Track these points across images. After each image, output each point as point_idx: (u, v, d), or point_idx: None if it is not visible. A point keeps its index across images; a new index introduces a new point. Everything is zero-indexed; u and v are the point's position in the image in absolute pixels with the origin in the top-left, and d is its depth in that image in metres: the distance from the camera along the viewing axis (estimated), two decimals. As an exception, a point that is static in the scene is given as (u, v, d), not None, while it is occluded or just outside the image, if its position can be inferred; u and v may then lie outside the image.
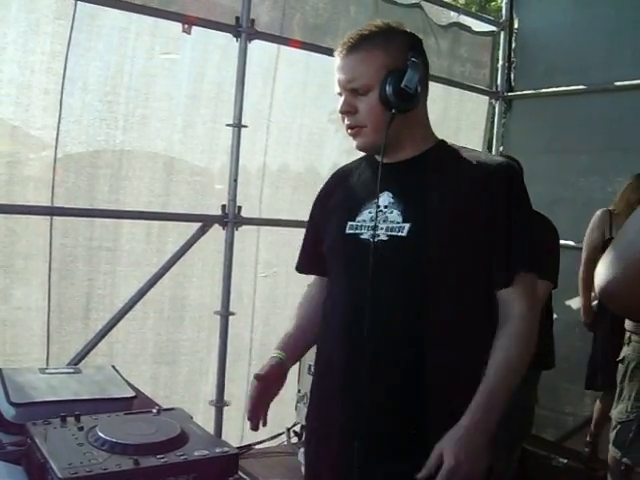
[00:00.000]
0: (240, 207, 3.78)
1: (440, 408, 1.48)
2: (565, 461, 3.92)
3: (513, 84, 5.26)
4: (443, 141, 1.68)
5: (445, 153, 1.62)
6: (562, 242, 3.67)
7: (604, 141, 4.53)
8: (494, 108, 5.29)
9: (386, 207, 1.57)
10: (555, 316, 3.68)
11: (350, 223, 1.61)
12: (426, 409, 1.50)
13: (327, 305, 1.71)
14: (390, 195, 1.58)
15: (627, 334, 3.46)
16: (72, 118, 3.35)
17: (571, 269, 3.94)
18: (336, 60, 1.59)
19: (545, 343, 3.37)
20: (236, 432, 4.18)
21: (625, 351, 3.45)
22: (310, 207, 1.86)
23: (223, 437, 3.99)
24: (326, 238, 1.70)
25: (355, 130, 1.59)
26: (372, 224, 1.56)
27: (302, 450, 3.95)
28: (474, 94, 5.16)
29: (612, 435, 3.44)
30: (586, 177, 4.68)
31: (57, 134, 3.30)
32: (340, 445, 1.57)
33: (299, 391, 4.14)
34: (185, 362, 3.94)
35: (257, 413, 1.69)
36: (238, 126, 3.70)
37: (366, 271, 1.51)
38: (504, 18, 5.28)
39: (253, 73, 3.77)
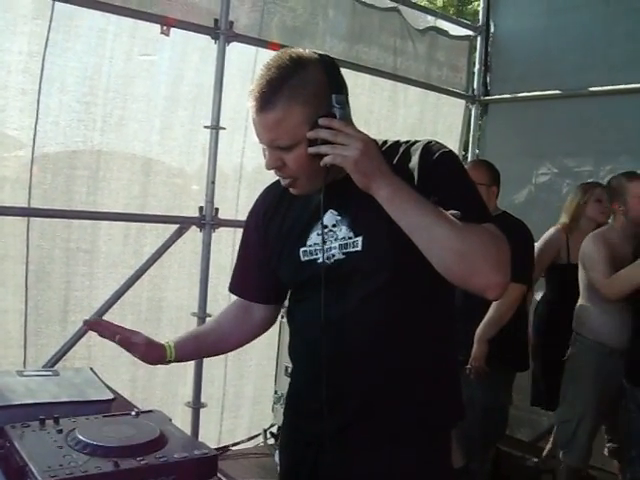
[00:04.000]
0: (217, 209, 3.79)
1: (409, 414, 1.52)
2: (536, 460, 3.95)
3: (489, 88, 5.32)
4: (383, 143, 1.57)
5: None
6: (536, 245, 3.71)
7: (578, 145, 4.60)
8: (470, 112, 5.34)
9: (334, 225, 1.53)
10: (531, 317, 3.74)
11: (302, 249, 1.56)
12: (395, 414, 1.52)
13: (294, 325, 1.69)
14: (335, 213, 1.53)
15: (573, 335, 3.49)
16: (49, 119, 3.34)
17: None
18: (250, 113, 1.45)
19: (519, 345, 3.42)
20: (213, 433, 4.20)
21: (570, 352, 3.48)
22: None
23: (200, 438, 3.98)
24: (280, 269, 1.65)
25: (288, 182, 1.51)
26: (325, 246, 1.52)
27: (278, 451, 3.97)
28: (451, 98, 5.21)
29: (554, 435, 3.53)
30: (561, 180, 4.75)
31: (34, 135, 3.29)
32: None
33: (276, 392, 4.16)
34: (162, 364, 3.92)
35: (100, 325, 1.71)
36: (216, 128, 3.70)
37: (328, 293, 1.47)
38: (480, 23, 5.34)
39: (231, 75, 3.77)
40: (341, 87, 1.46)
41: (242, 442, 4.29)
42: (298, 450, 1.66)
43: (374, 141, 1.49)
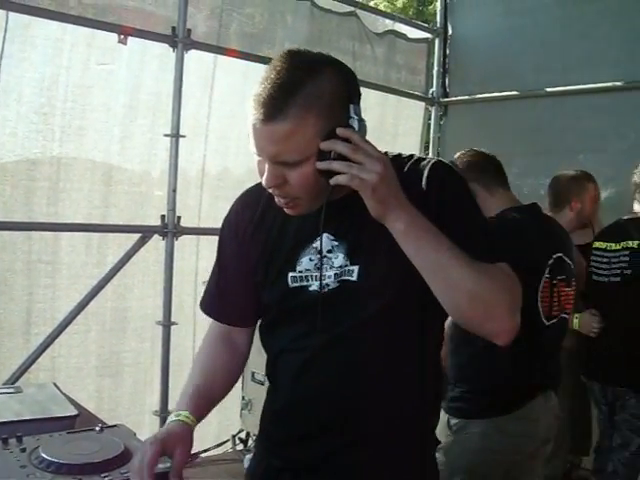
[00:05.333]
0: (179, 217, 3.78)
1: (396, 444, 1.45)
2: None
3: (448, 90, 5.38)
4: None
5: None
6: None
7: (536, 145, 4.66)
8: (430, 113, 5.40)
9: (329, 251, 1.39)
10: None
11: (291, 275, 1.42)
12: (382, 444, 1.44)
13: (276, 348, 1.53)
14: (331, 237, 1.39)
15: None
16: (7, 130, 3.32)
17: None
18: (251, 121, 1.25)
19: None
20: (182, 441, 4.18)
21: None
22: None
23: (169, 447, 3.98)
24: (264, 292, 1.50)
25: (287, 202, 1.35)
26: (318, 273, 1.39)
27: (247, 457, 3.98)
28: (410, 100, 5.27)
29: None
30: (520, 180, 4.80)
31: (-8, 146, 3.27)
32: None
33: (243, 398, 4.16)
34: (129, 373, 3.92)
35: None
36: (176, 136, 3.70)
37: (318, 324, 1.38)
38: (438, 25, 5.39)
39: (191, 83, 3.78)
40: (359, 98, 1.30)
41: (211, 449, 4.29)
42: (273, 475, 1.55)
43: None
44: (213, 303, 1.63)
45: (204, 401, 1.53)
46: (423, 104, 5.37)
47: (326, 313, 1.39)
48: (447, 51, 5.38)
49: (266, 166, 1.29)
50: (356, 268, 1.37)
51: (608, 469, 3.14)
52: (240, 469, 4.01)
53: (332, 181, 1.24)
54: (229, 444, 4.41)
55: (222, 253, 1.60)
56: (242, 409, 4.21)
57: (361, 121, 1.27)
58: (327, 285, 1.39)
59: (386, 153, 1.38)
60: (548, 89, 4.60)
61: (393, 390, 1.43)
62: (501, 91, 4.87)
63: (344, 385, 1.42)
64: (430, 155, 5.32)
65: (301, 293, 1.42)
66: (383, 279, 1.34)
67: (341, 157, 1.23)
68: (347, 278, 1.38)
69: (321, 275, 1.39)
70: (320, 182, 1.26)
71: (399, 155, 1.42)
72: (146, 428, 3.97)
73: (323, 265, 1.39)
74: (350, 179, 1.22)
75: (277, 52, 4.18)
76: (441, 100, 5.36)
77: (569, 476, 4.18)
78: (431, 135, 5.43)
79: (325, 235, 1.38)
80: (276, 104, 1.22)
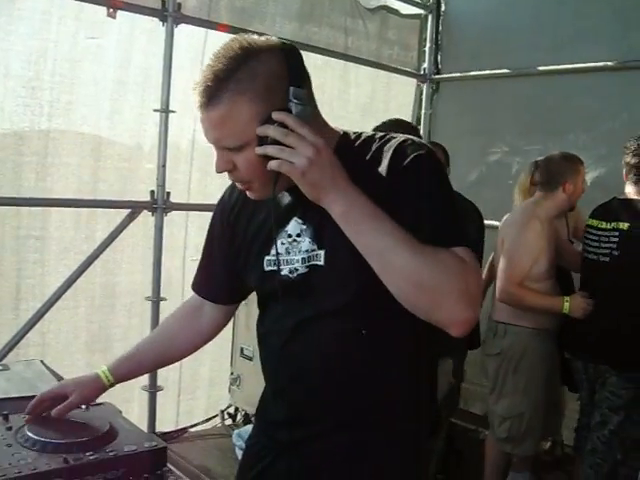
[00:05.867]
0: (169, 192, 3.76)
1: (374, 427, 1.46)
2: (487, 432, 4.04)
3: (440, 67, 5.34)
4: (345, 136, 1.45)
5: (347, 155, 1.34)
6: (487, 222, 3.78)
7: (527, 123, 4.65)
8: (422, 90, 5.36)
9: (298, 235, 1.41)
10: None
11: (267, 258, 1.46)
12: (358, 428, 1.46)
13: (262, 330, 1.59)
14: (299, 221, 1.41)
15: (500, 326, 3.44)
16: (-5, 105, 3.29)
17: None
18: (196, 108, 1.31)
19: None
20: (171, 416, 4.21)
21: (501, 345, 3.43)
22: None
23: (158, 421, 4.02)
24: (246, 274, 1.55)
25: (243, 186, 1.39)
26: (288, 257, 1.42)
27: (236, 432, 4.01)
28: (402, 77, 5.22)
29: (500, 431, 3.46)
30: (511, 158, 4.82)
31: (-21, 122, 3.24)
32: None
33: (232, 373, 4.19)
34: (118, 349, 3.91)
35: (34, 408, 1.53)
36: (166, 111, 3.67)
37: (290, 306, 1.44)
38: (431, 1, 5.34)
39: (180, 57, 3.74)
40: (302, 80, 1.31)
41: (199, 424, 4.31)
42: (263, 454, 1.59)
43: (344, 135, 1.41)
44: (200, 281, 1.73)
45: (131, 364, 1.69)
46: (415, 81, 5.33)
47: (296, 298, 1.42)
48: (440, 27, 5.33)
49: (215, 153, 1.34)
50: (322, 252, 1.39)
51: (587, 447, 3.18)
52: (228, 444, 4.04)
53: (268, 167, 1.26)
54: (218, 419, 4.44)
55: (210, 231, 1.67)
56: (231, 384, 4.24)
57: (301, 104, 1.27)
58: (296, 270, 1.42)
59: (360, 135, 1.43)
60: (540, 67, 4.57)
61: (367, 374, 1.43)
62: (493, 68, 4.84)
63: (318, 370, 1.45)
64: (422, 133, 5.32)
65: (275, 277, 1.44)
66: (347, 263, 1.33)
67: (278, 142, 1.25)
68: (315, 263, 1.40)
69: (278, 261, 1.42)
70: (268, 169, 1.27)
71: (373, 135, 1.43)
72: (135, 403, 4.00)
73: (292, 249, 1.42)
74: (279, 165, 1.24)
75: (268, 27, 4.13)
76: (433, 77, 5.32)
77: (551, 453, 4.25)
78: (422, 112, 5.40)
79: (294, 219, 1.42)
80: (210, 91, 1.26)
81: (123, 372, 1.68)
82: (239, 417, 4.41)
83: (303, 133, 1.24)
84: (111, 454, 1.35)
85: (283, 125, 1.25)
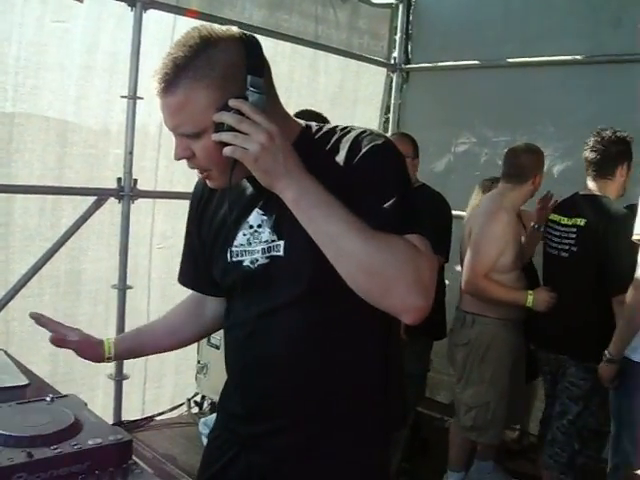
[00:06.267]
0: (136, 180, 3.74)
1: (336, 411, 1.46)
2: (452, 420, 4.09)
3: (410, 57, 5.36)
4: (307, 129, 1.46)
5: (308, 147, 1.37)
6: (455, 212, 3.81)
7: (496, 115, 4.69)
8: (392, 80, 5.36)
9: (259, 226, 1.43)
10: (447, 282, 3.82)
11: (230, 249, 1.47)
12: (320, 420, 1.46)
13: (227, 323, 1.60)
14: (260, 212, 1.43)
15: (469, 316, 3.45)
16: (-42, 88, 3.23)
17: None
18: (155, 95, 1.31)
19: (437, 315, 3.51)
20: (137, 404, 4.20)
21: (469, 334, 3.44)
22: None
23: (124, 409, 4.00)
24: (214, 266, 1.55)
25: (202, 174, 1.40)
26: (250, 248, 1.44)
27: (202, 420, 4.01)
28: (372, 66, 5.21)
29: (466, 420, 3.49)
30: (479, 149, 4.85)
31: (-58, 106, 3.17)
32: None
33: (199, 362, 4.19)
34: (83, 337, 3.88)
35: (42, 322, 1.69)
36: (133, 98, 3.64)
37: (252, 297, 1.45)
38: (402, -9, 5.35)
39: (149, 44, 3.69)
40: (260, 70, 1.31)
41: (166, 412, 4.30)
42: (225, 449, 1.59)
43: (306, 127, 1.43)
44: (184, 273, 1.73)
45: (134, 345, 1.73)
46: (385, 70, 5.33)
47: (258, 289, 1.44)
48: (410, 17, 5.34)
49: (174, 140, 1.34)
50: (282, 243, 1.40)
51: (547, 437, 3.24)
52: (195, 432, 4.05)
53: (223, 153, 1.26)
54: (184, 407, 4.44)
55: (187, 224, 1.68)
56: (197, 373, 4.24)
57: (258, 92, 1.28)
58: (256, 260, 1.43)
59: (321, 127, 1.44)
60: (509, 60, 4.61)
61: (331, 365, 1.44)
62: (463, 60, 4.86)
63: (280, 362, 1.45)
64: (390, 123, 5.34)
65: (237, 268, 1.46)
66: (307, 253, 1.33)
67: (234, 129, 1.25)
68: (275, 254, 1.41)
69: (253, 252, 1.43)
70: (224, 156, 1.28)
71: (335, 127, 1.44)
72: (100, 390, 3.97)
73: (253, 240, 1.43)
74: (233, 151, 1.25)
75: (237, 14, 4.09)
76: (403, 66, 5.34)
77: (520, 442, 4.32)
78: (392, 102, 5.40)
79: (255, 209, 1.44)
80: (168, 78, 1.27)
81: (124, 349, 1.69)
82: (206, 405, 4.41)
83: (258, 120, 1.25)
84: (76, 448, 1.33)
85: (239, 113, 1.26)
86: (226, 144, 1.26)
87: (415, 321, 1.26)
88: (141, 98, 3.65)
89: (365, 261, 1.23)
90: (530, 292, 3.25)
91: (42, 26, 3.42)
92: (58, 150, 3.61)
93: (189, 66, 1.27)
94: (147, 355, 1.78)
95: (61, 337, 1.64)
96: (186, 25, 3.82)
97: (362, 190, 1.30)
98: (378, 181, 1.32)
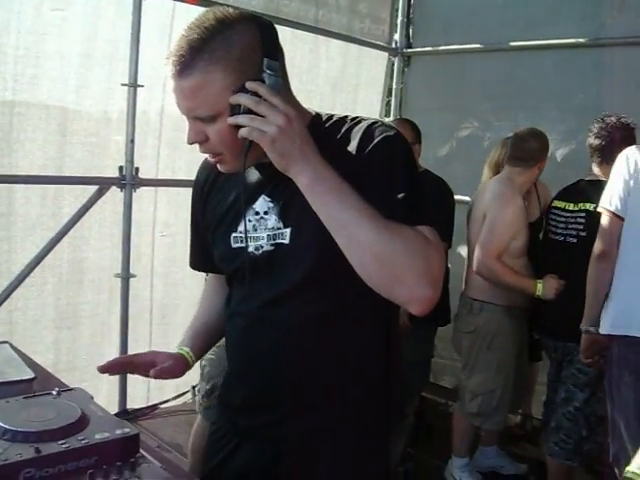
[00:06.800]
0: (137, 168, 3.72)
1: (338, 396, 1.46)
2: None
3: (412, 41, 5.30)
4: (317, 116, 1.46)
5: (319, 135, 1.33)
6: (458, 197, 3.79)
7: (498, 99, 4.66)
8: (393, 64, 5.32)
9: (266, 213, 1.42)
10: (449, 265, 3.80)
11: (234, 235, 1.47)
12: (325, 409, 1.46)
13: (228, 311, 1.59)
14: (267, 199, 1.42)
15: (476, 304, 3.45)
16: (-44, 78, 3.20)
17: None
18: (169, 77, 1.29)
19: (442, 301, 3.49)
20: (142, 392, 4.20)
21: (476, 322, 3.45)
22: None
23: (129, 398, 4.01)
24: (215, 251, 1.55)
25: (214, 158, 1.38)
26: (255, 234, 1.43)
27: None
28: (373, 50, 5.17)
29: (471, 407, 3.49)
30: (482, 133, 4.82)
31: (-58, 96, 3.15)
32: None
33: (204, 350, 4.17)
34: (87, 325, 3.90)
35: (111, 365, 1.52)
36: (134, 85, 3.62)
37: (256, 284, 1.44)
38: (403, -26, 5.29)
39: (148, 31, 3.66)
40: (276, 53, 1.31)
41: (170, 400, 4.31)
42: (226, 441, 1.59)
43: (316, 115, 1.42)
44: (195, 257, 1.72)
45: (203, 342, 1.66)
46: (386, 54, 5.28)
47: (262, 276, 1.43)
48: (411, 1, 5.29)
49: (187, 124, 1.33)
50: (288, 230, 1.40)
51: (551, 424, 3.24)
52: (200, 420, 4.05)
53: (239, 135, 1.25)
54: (189, 395, 4.43)
55: (192, 208, 1.66)
56: (202, 360, 4.22)
57: (275, 75, 1.27)
58: (261, 247, 1.43)
59: (332, 116, 1.44)
60: (512, 43, 4.57)
61: (333, 355, 1.43)
62: (465, 43, 4.82)
63: (282, 352, 1.44)
64: (392, 107, 5.31)
65: (241, 254, 1.45)
66: (313, 241, 1.34)
67: (250, 112, 1.25)
68: (281, 241, 1.40)
69: (246, 237, 1.42)
70: (240, 138, 1.27)
71: (345, 117, 1.44)
72: (105, 379, 3.96)
73: (259, 226, 1.42)
74: (250, 132, 1.24)
75: (237, 0, 4.00)
76: (404, 51, 5.29)
77: (523, 426, 4.33)
78: (393, 86, 5.37)
79: (262, 196, 1.43)
80: (184, 60, 1.25)
81: (199, 350, 1.65)
82: (210, 393, 4.40)
83: (275, 102, 1.24)
84: (83, 442, 1.33)
85: (256, 95, 1.25)
86: (241, 127, 1.25)
87: (423, 311, 1.26)
88: (141, 86, 3.63)
89: (377, 249, 1.23)
90: (539, 281, 3.23)
91: (40, 14, 3.39)
92: (59, 139, 3.59)
93: (205, 48, 1.25)
94: (215, 344, 1.73)
95: (155, 366, 1.51)
96: (185, 12, 3.85)
97: (374, 180, 1.30)
98: (390, 172, 1.32)
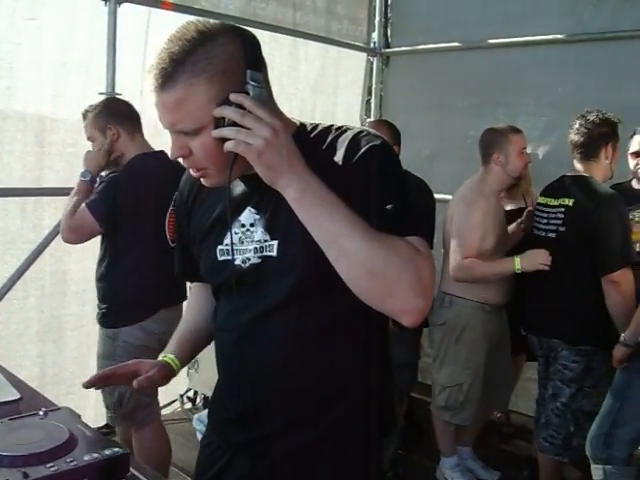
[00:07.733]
0: (117, 177, 3.68)
1: (330, 409, 1.44)
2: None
3: (390, 40, 5.30)
4: (302, 126, 1.43)
5: (304, 145, 1.30)
6: (441, 196, 3.79)
7: (478, 96, 4.67)
8: (372, 65, 5.32)
9: (252, 225, 1.40)
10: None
11: (220, 247, 1.44)
12: (313, 424, 1.44)
13: (216, 324, 1.57)
14: (253, 211, 1.40)
15: (447, 297, 3.44)
16: None
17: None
18: (151, 91, 1.27)
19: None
20: (129, 403, 4.15)
21: (446, 315, 3.44)
22: None
23: (116, 408, 3.95)
24: (202, 264, 1.53)
25: (198, 172, 1.35)
26: (241, 247, 1.41)
27: (196, 416, 3.99)
28: (352, 51, 5.17)
29: (439, 399, 3.52)
30: (463, 132, 4.82)
31: None
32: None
33: (191, 358, 4.15)
34: (72, 338, 3.86)
35: (95, 380, 1.49)
36: (111, 94, 3.57)
37: (243, 298, 1.42)
38: (379, -26, 5.28)
39: (124, 38, 3.62)
40: (259, 64, 1.28)
41: (159, 409, 4.27)
42: (218, 456, 1.57)
43: (300, 126, 1.40)
44: (181, 266, 1.71)
45: (191, 349, 1.64)
46: (365, 55, 5.28)
47: (249, 290, 1.41)
48: (389, 1, 5.28)
49: (170, 138, 1.30)
50: (275, 243, 1.37)
51: (541, 420, 3.25)
52: (189, 428, 4.04)
53: (224, 149, 1.23)
54: (177, 404, 4.41)
55: (177, 222, 1.68)
56: (189, 368, 4.21)
57: (259, 87, 1.25)
58: (248, 260, 1.40)
59: (316, 126, 1.41)
60: (491, 41, 4.58)
61: (324, 369, 1.42)
62: (444, 42, 4.83)
63: (273, 367, 1.43)
64: (372, 108, 5.30)
65: (227, 267, 1.43)
66: (301, 253, 1.33)
67: (235, 124, 1.22)
68: (268, 254, 1.38)
69: (232, 250, 1.40)
70: (225, 152, 1.24)
71: (330, 126, 1.42)
72: (92, 392, 3.91)
73: (245, 238, 1.41)
74: (236, 145, 1.21)
75: (214, 4, 4.00)
76: (383, 51, 5.29)
77: (509, 423, 4.34)
78: (373, 86, 5.37)
79: (248, 208, 1.41)
80: (166, 73, 1.23)
81: (185, 357, 1.62)
82: (199, 400, 4.40)
83: (260, 114, 1.21)
84: (72, 464, 1.30)
85: (241, 107, 1.22)
86: (226, 140, 1.22)
87: (415, 323, 1.24)
88: (119, 94, 3.59)
89: (368, 262, 1.21)
90: (516, 256, 3.19)
91: (14, 24, 3.35)
92: (37, 150, 3.55)
93: (187, 60, 1.23)
94: (201, 351, 1.70)
95: (139, 375, 1.48)
96: (161, 17, 3.81)
97: (362, 191, 1.28)
98: (378, 183, 1.30)
